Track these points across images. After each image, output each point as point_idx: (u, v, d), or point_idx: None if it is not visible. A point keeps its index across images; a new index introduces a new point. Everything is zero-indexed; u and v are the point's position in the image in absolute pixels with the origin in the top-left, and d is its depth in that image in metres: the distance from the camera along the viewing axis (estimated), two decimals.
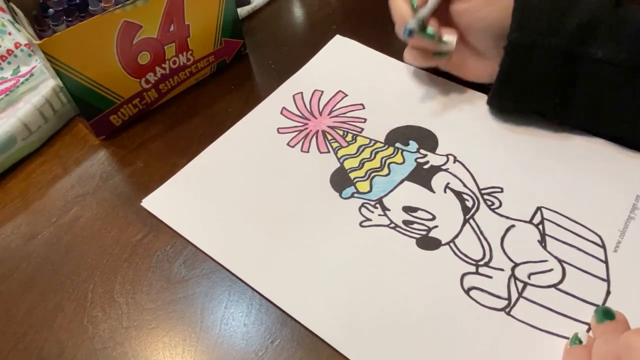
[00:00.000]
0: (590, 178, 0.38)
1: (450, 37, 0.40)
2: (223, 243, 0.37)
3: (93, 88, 0.42)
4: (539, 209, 0.37)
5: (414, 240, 0.36)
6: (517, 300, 0.33)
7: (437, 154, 0.41)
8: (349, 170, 0.40)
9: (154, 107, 0.47)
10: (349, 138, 0.43)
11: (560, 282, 0.33)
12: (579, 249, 0.35)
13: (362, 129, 0.43)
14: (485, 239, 0.36)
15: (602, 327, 0.29)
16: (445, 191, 0.39)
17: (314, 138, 0.43)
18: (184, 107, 0.47)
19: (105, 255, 0.37)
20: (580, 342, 0.29)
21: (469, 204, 0.38)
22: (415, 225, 0.37)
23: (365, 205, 0.38)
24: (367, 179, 0.40)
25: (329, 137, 0.43)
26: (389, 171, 0.40)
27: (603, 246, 0.35)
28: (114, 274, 0.36)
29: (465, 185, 0.39)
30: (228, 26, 0.48)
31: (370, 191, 0.39)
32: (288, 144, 0.43)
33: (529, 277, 0.34)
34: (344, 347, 0.31)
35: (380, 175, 0.40)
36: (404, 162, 0.41)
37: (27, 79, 0.47)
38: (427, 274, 0.34)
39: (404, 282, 0.34)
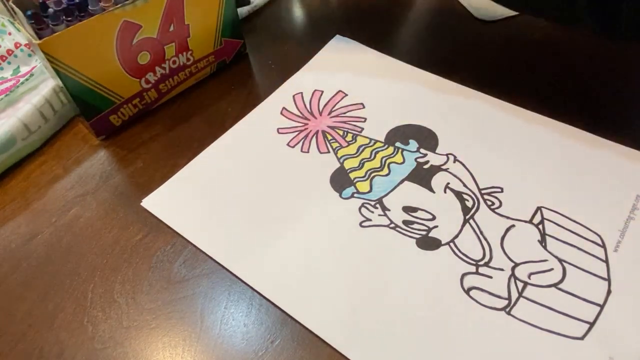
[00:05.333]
0: (590, 178, 0.38)
1: None
2: (223, 243, 0.37)
3: (93, 88, 0.42)
4: (539, 209, 0.37)
5: (414, 240, 0.36)
6: (518, 299, 0.33)
7: (437, 154, 0.41)
8: (349, 170, 0.40)
9: (154, 107, 0.47)
10: (349, 138, 0.43)
11: (561, 281, 0.33)
12: (579, 248, 0.35)
13: (362, 129, 0.43)
14: (485, 239, 0.36)
15: None
16: (445, 191, 0.39)
17: (314, 138, 0.43)
18: (184, 107, 0.47)
19: (105, 255, 0.37)
20: None
21: (469, 204, 0.38)
22: (415, 225, 0.37)
23: (365, 205, 0.38)
24: (367, 179, 0.40)
25: (329, 137, 0.43)
26: (389, 171, 0.40)
27: (603, 246, 0.35)
28: (114, 274, 0.36)
29: (465, 185, 0.39)
30: (228, 26, 0.48)
31: (370, 191, 0.39)
32: (288, 144, 0.43)
33: (529, 277, 0.34)
34: (344, 347, 0.31)
35: (380, 175, 0.40)
36: (404, 161, 0.41)
37: (27, 79, 0.47)
38: (427, 274, 0.34)
39: (404, 282, 0.34)
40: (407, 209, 0.38)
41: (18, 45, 0.49)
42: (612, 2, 0.28)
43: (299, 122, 0.45)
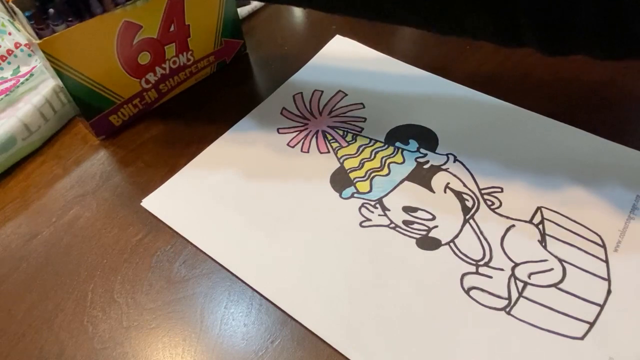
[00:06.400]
0: (591, 178, 0.38)
1: None
2: (223, 243, 0.37)
3: (93, 88, 0.42)
4: (539, 209, 0.37)
5: (414, 240, 0.36)
6: (518, 299, 0.33)
7: (437, 154, 0.41)
8: (349, 170, 0.40)
9: (154, 107, 0.47)
10: (349, 138, 0.43)
11: (561, 281, 0.33)
12: (579, 248, 0.35)
13: (362, 129, 0.43)
14: (485, 239, 0.36)
15: None
16: (445, 191, 0.39)
17: (314, 138, 0.43)
18: (184, 107, 0.47)
19: (105, 255, 0.37)
20: None
21: (469, 203, 0.38)
22: (415, 225, 0.37)
23: (365, 205, 0.38)
24: (367, 179, 0.40)
25: (329, 137, 0.43)
26: (389, 171, 0.40)
27: (603, 245, 0.35)
28: (114, 274, 0.36)
29: (465, 185, 0.39)
30: (228, 26, 0.48)
31: (370, 191, 0.39)
32: (288, 144, 0.43)
33: (529, 277, 0.34)
34: (344, 347, 0.31)
35: (380, 175, 0.40)
36: (404, 161, 0.41)
37: (27, 79, 0.47)
38: (427, 274, 0.34)
39: (404, 282, 0.34)
40: (407, 209, 0.38)
41: (18, 45, 0.49)
42: (561, 18, 0.28)
43: (299, 122, 0.45)
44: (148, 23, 0.41)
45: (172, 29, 0.43)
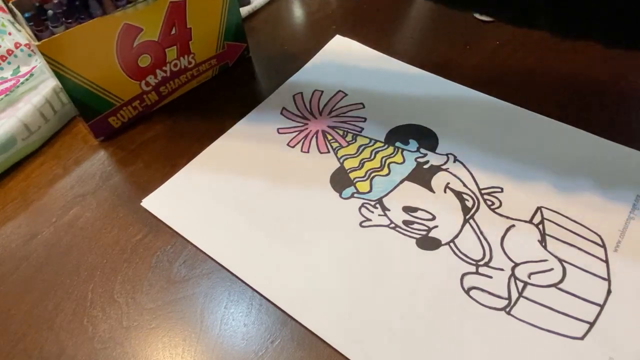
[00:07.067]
0: (590, 178, 0.38)
1: None
2: (223, 243, 0.37)
3: (92, 90, 0.42)
4: (539, 209, 0.37)
5: (414, 240, 0.36)
6: (518, 299, 0.33)
7: (437, 154, 0.41)
8: (349, 170, 0.40)
9: (154, 109, 0.47)
10: (349, 138, 0.43)
11: (561, 281, 0.33)
12: (579, 248, 0.35)
13: (362, 129, 0.43)
14: (485, 239, 0.36)
15: None
16: (445, 191, 0.39)
17: (314, 138, 0.43)
18: (185, 107, 0.47)
19: (105, 255, 0.37)
20: None
21: (469, 203, 0.38)
22: (415, 225, 0.37)
23: (365, 205, 0.38)
24: (367, 179, 0.40)
25: (329, 137, 0.43)
26: (389, 171, 0.40)
27: (603, 245, 0.35)
28: (114, 274, 0.36)
29: (465, 185, 0.39)
30: (231, 30, 0.47)
31: (370, 191, 0.39)
32: (288, 144, 0.43)
33: (529, 277, 0.34)
34: (344, 347, 0.31)
35: (380, 175, 0.40)
36: (404, 161, 0.41)
37: (27, 79, 0.47)
38: (427, 274, 0.34)
39: (404, 282, 0.34)
40: (407, 209, 0.38)
41: (18, 45, 0.49)
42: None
43: (299, 122, 0.45)
44: (149, 26, 0.41)
45: (173, 31, 0.43)
